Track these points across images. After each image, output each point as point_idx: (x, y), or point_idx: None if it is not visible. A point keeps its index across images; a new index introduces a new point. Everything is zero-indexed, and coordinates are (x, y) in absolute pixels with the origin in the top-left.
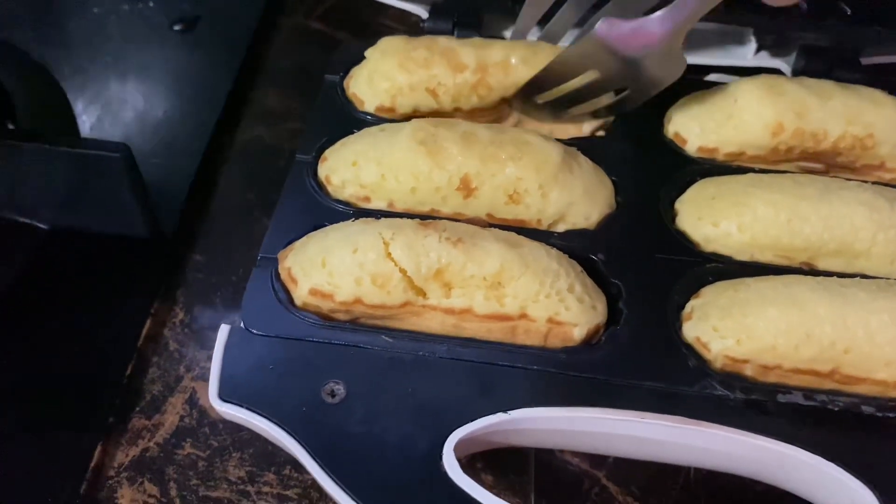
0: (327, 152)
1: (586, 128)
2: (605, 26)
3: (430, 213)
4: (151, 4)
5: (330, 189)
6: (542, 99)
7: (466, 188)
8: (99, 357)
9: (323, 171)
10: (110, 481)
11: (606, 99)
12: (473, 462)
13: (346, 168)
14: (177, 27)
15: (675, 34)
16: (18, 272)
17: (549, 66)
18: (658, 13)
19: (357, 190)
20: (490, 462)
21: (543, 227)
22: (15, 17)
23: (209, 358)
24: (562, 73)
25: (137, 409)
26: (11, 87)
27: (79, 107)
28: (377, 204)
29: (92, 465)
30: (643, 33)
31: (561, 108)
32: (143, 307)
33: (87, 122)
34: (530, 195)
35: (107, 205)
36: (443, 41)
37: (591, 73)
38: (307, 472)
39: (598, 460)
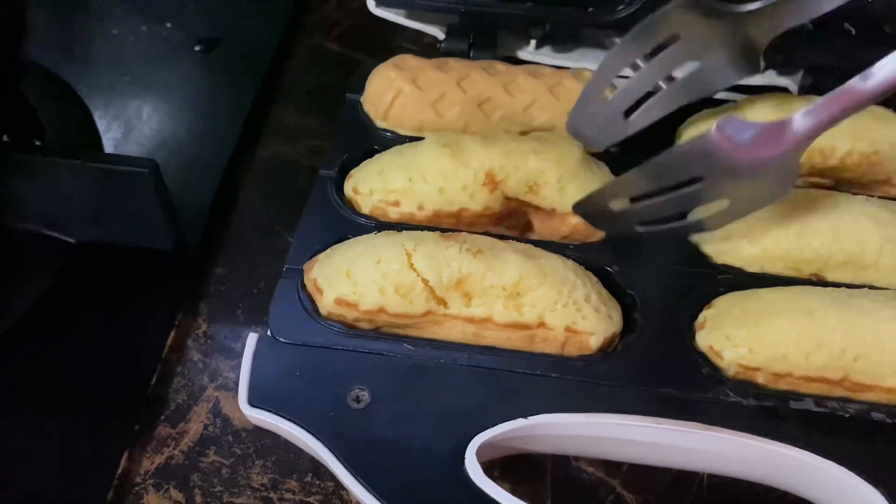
0: (353, 171)
1: None
2: (720, 133)
3: (459, 213)
4: (169, 25)
5: (358, 199)
6: (618, 206)
7: (492, 182)
8: (125, 367)
9: (350, 184)
10: (136, 488)
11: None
12: (490, 470)
13: (373, 177)
14: (197, 48)
15: (805, 144)
16: (48, 284)
17: (636, 173)
18: (795, 116)
19: (385, 195)
20: (507, 470)
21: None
22: (40, 39)
23: (232, 368)
24: (650, 182)
25: (162, 417)
26: (39, 106)
27: (102, 125)
28: (406, 208)
29: (119, 472)
30: (772, 141)
31: (634, 221)
32: (167, 319)
33: (111, 139)
34: (549, 186)
35: (133, 219)
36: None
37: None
38: (329, 479)
39: (613, 468)
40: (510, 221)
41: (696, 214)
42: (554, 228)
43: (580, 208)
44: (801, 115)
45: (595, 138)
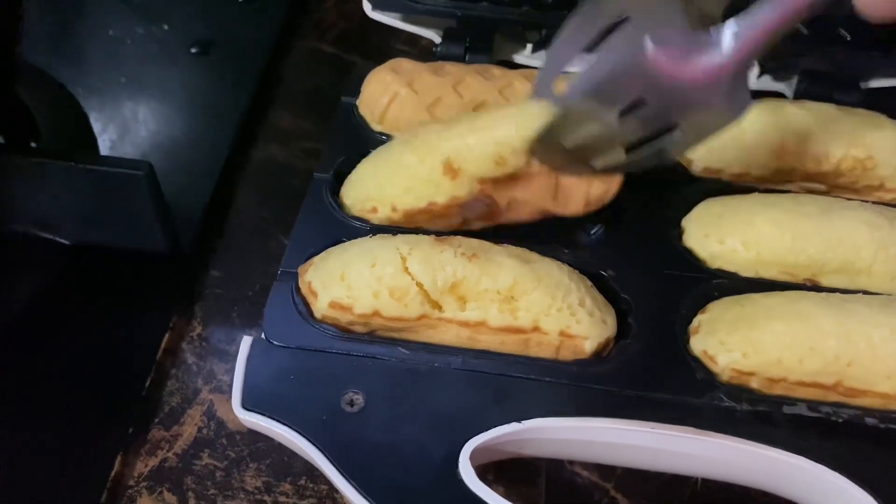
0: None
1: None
2: (654, 48)
3: (429, 208)
4: (165, 27)
5: (347, 209)
6: (570, 143)
7: (451, 171)
8: (119, 369)
9: (341, 193)
10: (130, 490)
11: (650, 146)
12: (485, 474)
13: (353, 187)
14: (193, 50)
15: (747, 58)
16: (42, 286)
17: (578, 100)
18: (725, 28)
19: (364, 204)
20: (501, 474)
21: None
22: (36, 40)
23: (226, 371)
24: (595, 108)
25: (157, 420)
26: (35, 107)
27: (98, 127)
28: (383, 212)
29: (112, 474)
30: (704, 59)
31: (594, 153)
32: (161, 321)
33: (107, 141)
34: (516, 156)
35: (128, 221)
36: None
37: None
38: (322, 483)
39: (607, 472)
40: (489, 210)
41: (654, 145)
42: (541, 186)
43: (534, 153)
44: (737, 21)
45: None
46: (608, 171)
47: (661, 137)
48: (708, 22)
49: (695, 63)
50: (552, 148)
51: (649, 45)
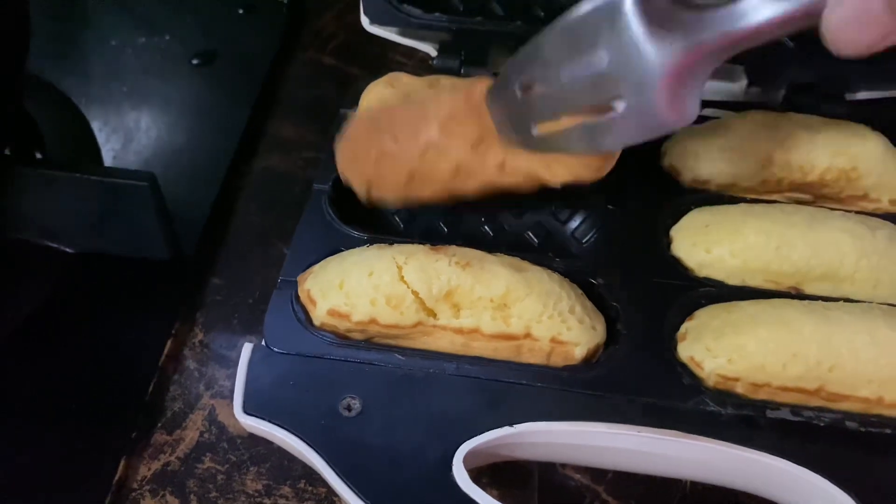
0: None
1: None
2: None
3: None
4: (167, 38)
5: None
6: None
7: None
8: (122, 375)
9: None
10: (133, 494)
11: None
12: (479, 477)
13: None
14: (195, 61)
15: (715, 55)
16: (47, 294)
17: (541, 37)
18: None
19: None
20: (495, 478)
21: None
22: (39, 52)
23: (228, 377)
24: (552, 50)
25: (159, 425)
26: (39, 119)
27: (101, 137)
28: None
29: (116, 478)
30: (685, 33)
31: (538, 115)
32: (164, 328)
33: (111, 151)
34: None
35: (131, 230)
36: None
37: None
38: (321, 486)
39: (598, 475)
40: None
41: (590, 123)
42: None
43: (490, 101)
44: (727, 10)
45: None
46: (543, 147)
47: (598, 116)
48: None
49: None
50: (504, 99)
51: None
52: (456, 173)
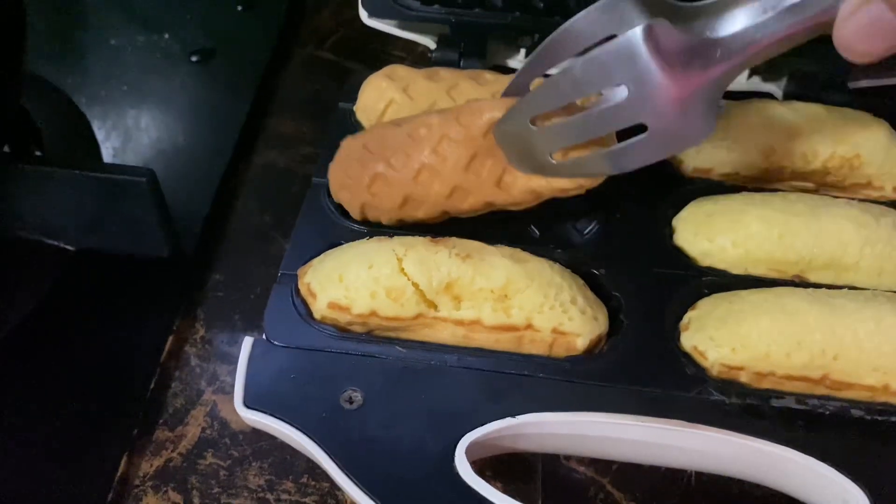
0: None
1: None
2: (647, 36)
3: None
4: (166, 36)
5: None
6: (541, 122)
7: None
8: (124, 372)
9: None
10: (136, 490)
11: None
12: (482, 470)
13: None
14: (194, 58)
15: (731, 71)
16: (47, 291)
17: (555, 78)
18: (726, 35)
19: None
20: (498, 470)
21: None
22: (39, 50)
23: (229, 372)
24: (568, 90)
25: (161, 421)
26: (38, 116)
27: (100, 134)
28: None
29: (118, 475)
30: (701, 59)
31: (547, 147)
32: (165, 324)
33: (110, 148)
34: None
35: (131, 227)
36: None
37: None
38: (324, 480)
39: (602, 467)
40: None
41: (615, 147)
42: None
43: (500, 135)
44: (733, 35)
45: None
46: (563, 172)
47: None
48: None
49: (684, 67)
50: (517, 133)
51: (647, 31)
52: (451, 194)
